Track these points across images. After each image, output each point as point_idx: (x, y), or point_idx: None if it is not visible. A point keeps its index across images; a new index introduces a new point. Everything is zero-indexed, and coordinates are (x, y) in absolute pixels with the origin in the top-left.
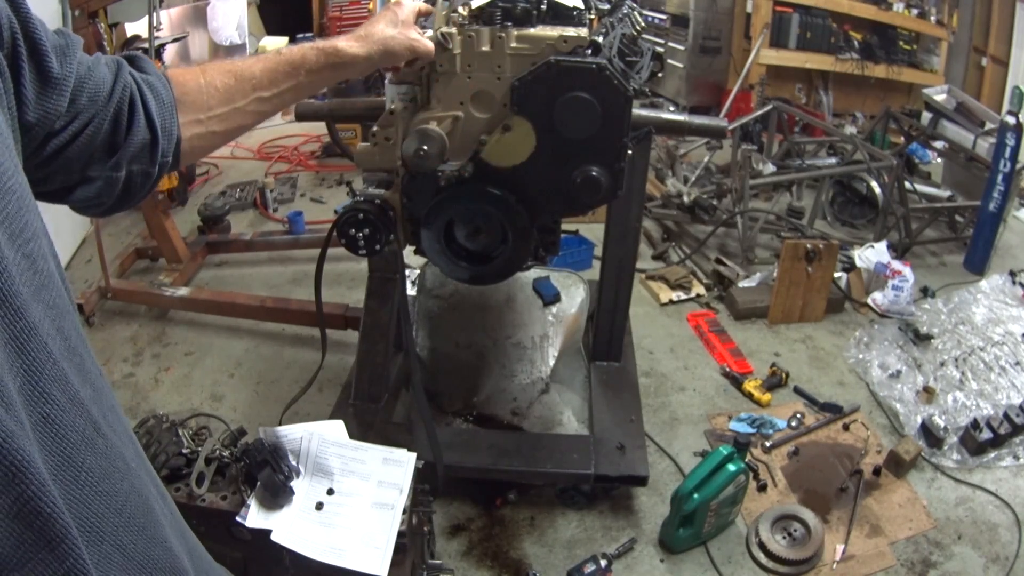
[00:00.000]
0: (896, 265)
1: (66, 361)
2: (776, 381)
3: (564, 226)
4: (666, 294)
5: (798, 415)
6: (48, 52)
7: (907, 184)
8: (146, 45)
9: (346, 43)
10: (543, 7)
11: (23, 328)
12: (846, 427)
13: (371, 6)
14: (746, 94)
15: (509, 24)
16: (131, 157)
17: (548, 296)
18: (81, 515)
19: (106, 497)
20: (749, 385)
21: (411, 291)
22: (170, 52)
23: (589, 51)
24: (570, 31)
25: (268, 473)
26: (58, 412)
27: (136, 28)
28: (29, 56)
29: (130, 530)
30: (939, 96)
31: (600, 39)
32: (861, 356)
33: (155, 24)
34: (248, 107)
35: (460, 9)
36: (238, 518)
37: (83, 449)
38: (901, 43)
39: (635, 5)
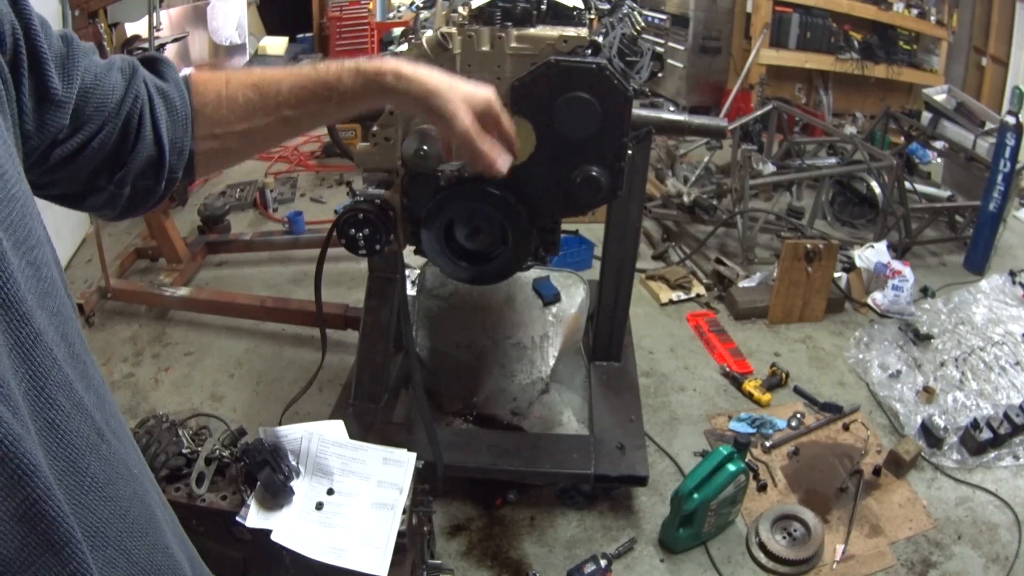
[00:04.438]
0: (896, 265)
1: (70, 367)
2: (776, 381)
3: (564, 226)
4: (666, 294)
5: (798, 415)
6: (50, 67)
7: (907, 184)
8: (146, 45)
9: (392, 65)
10: (543, 7)
11: (28, 334)
12: (846, 427)
13: (371, 6)
14: (746, 94)
15: (509, 24)
16: (136, 174)
17: (548, 296)
18: (86, 520)
19: (110, 502)
20: (749, 385)
21: (411, 291)
22: (170, 52)
23: (589, 51)
24: (570, 31)
25: (268, 473)
26: (63, 418)
27: (136, 28)
28: (30, 68)
29: (133, 535)
30: (939, 96)
31: (600, 39)
32: (861, 356)
33: (155, 24)
34: (271, 127)
35: (460, 9)
36: (238, 518)
37: (87, 455)
38: (901, 43)
39: (635, 5)
